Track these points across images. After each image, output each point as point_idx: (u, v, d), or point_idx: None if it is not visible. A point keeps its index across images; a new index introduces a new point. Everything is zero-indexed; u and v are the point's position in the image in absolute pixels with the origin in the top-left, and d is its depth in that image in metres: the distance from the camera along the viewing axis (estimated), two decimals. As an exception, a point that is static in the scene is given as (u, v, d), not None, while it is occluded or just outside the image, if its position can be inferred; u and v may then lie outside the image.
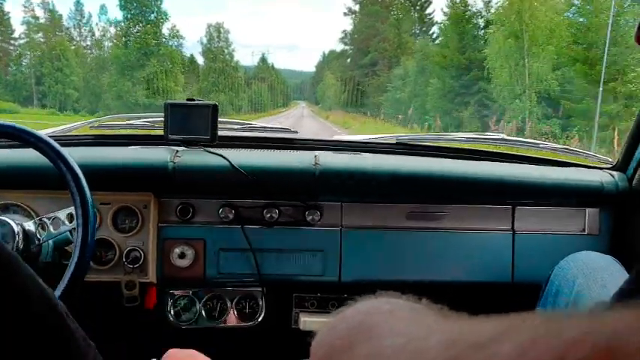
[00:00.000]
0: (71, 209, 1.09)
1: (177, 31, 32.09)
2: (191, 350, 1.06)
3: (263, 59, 49.91)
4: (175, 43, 32.45)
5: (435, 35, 32.11)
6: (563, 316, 0.24)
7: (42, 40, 31.11)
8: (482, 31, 23.76)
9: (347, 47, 43.04)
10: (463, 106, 23.12)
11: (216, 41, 36.98)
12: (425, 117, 24.22)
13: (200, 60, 36.58)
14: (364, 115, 31.05)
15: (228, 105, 32.63)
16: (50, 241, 1.18)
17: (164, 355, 0.99)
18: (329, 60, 51.25)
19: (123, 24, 31.08)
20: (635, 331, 0.19)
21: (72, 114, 27.14)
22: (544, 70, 18.07)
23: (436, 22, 33.02)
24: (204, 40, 37.34)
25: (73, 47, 31.51)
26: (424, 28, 33.81)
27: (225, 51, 37.01)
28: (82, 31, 33.44)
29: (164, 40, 31.63)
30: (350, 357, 0.32)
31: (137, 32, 30.67)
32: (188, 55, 36.51)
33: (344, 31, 45.64)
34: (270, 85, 46.61)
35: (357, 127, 23.97)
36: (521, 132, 17.07)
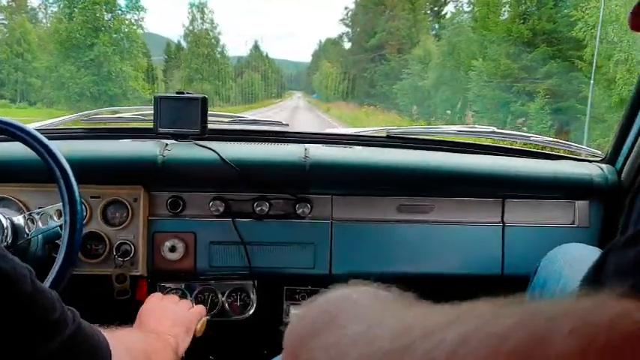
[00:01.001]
0: (60, 205, 1.09)
1: (137, 2, 25.27)
2: (171, 295, 1.14)
3: (256, 47, 45.81)
4: (135, 16, 25.30)
5: (448, 14, 26.90)
6: (507, 306, 0.25)
7: (3, 22, 25.68)
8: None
9: (349, 30, 37.29)
10: (526, 97, 16.40)
11: (200, 23, 31.87)
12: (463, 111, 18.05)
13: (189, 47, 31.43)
14: (386, 110, 24.65)
15: (215, 95, 28.54)
16: (39, 236, 1.18)
17: (146, 300, 1.13)
18: (326, 48, 47.00)
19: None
20: (564, 321, 0.20)
21: (26, 106, 22.82)
22: None
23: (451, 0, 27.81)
24: (186, 22, 32.20)
25: (42, 31, 25.82)
26: (435, 8, 28.65)
27: (211, 34, 31.92)
28: (49, 12, 27.37)
29: (120, 12, 24.71)
30: (313, 346, 0.33)
31: (84, 2, 23.53)
32: (176, 42, 32.37)
33: (346, 8, 39.83)
34: (264, 74, 42.61)
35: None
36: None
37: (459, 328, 0.23)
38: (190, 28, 31.90)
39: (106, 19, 24.22)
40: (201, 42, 31.10)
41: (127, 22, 24.99)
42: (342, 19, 38.26)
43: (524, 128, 13.56)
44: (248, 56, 44.50)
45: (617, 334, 0.19)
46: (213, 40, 31.91)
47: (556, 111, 14.99)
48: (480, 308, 0.25)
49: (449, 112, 18.69)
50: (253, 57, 44.34)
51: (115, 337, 0.64)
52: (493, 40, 18.04)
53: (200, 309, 1.23)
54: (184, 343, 1.03)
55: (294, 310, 1.50)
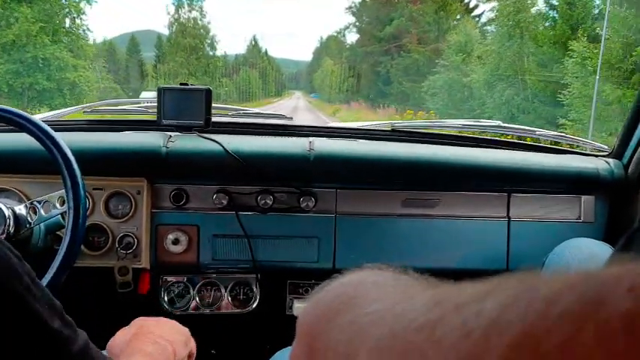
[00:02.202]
0: (62, 192, 1.08)
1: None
2: (159, 318, 1.05)
3: (254, 42, 41.33)
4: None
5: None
6: (546, 275, 0.24)
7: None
8: None
9: (356, 19, 31.22)
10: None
11: (187, 10, 27.20)
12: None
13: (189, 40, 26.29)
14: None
15: None
16: (42, 225, 1.17)
17: (131, 323, 0.96)
18: (328, 44, 42.98)
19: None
20: (619, 280, 0.19)
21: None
22: None
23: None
24: (172, 10, 27.67)
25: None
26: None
27: (200, 23, 27.40)
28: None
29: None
30: (332, 327, 0.32)
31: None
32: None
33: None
34: (262, 71, 38.51)
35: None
36: None
37: (497, 298, 0.22)
38: (175, 16, 27.29)
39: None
40: (188, 32, 26.97)
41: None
42: (349, 7, 32.08)
43: None
44: (246, 52, 40.51)
45: None
46: (201, 30, 27.51)
47: None
48: (517, 278, 0.24)
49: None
50: (251, 53, 40.51)
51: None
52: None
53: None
54: (180, 355, 0.91)
55: (298, 305, 1.49)
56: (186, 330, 1.01)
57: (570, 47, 13.55)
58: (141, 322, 0.95)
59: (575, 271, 0.23)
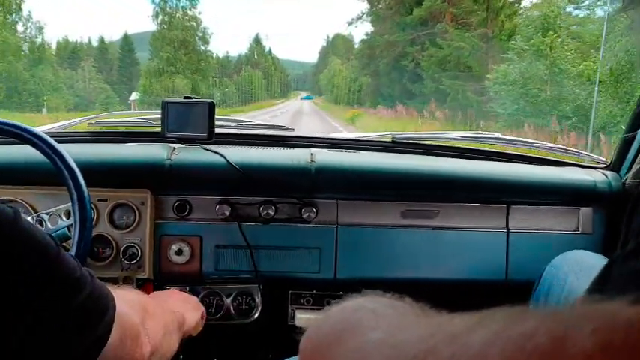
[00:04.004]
0: (69, 205, 1.10)
1: None
2: (171, 289, 1.14)
3: (257, 41, 37.23)
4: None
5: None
6: (526, 311, 0.26)
7: None
8: None
9: (371, 6, 25.28)
10: None
11: None
12: None
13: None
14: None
15: (191, 93, 13.70)
16: (48, 238, 1.18)
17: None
18: (335, 43, 40.49)
19: None
20: (585, 322, 0.22)
21: None
22: None
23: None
24: None
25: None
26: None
27: (189, 14, 23.38)
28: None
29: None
30: (336, 352, 0.34)
31: None
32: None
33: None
34: (266, 71, 35.03)
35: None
36: None
37: (482, 331, 0.25)
38: (161, 5, 23.22)
39: None
40: (175, 24, 22.97)
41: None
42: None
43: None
44: (248, 50, 37.02)
45: (635, 331, 0.21)
46: (191, 22, 23.59)
47: None
48: (501, 314, 0.27)
49: None
50: (253, 52, 36.81)
51: (115, 292, 0.69)
52: None
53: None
54: (193, 318, 1.04)
55: (300, 315, 1.51)
56: (192, 298, 1.18)
57: None
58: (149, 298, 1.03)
59: (552, 307, 0.26)
